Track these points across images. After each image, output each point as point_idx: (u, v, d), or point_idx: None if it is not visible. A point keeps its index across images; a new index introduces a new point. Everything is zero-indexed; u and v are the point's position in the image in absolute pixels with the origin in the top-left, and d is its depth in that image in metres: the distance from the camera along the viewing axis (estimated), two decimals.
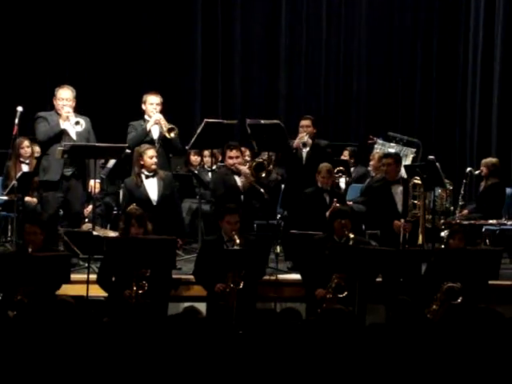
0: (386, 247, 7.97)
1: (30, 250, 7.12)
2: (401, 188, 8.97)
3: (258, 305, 7.61)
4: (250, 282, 7.35)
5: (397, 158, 9.20)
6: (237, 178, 9.10)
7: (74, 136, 8.75)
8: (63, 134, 8.71)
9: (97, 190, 8.91)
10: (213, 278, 7.42)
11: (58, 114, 8.72)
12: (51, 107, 8.91)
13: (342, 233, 7.60)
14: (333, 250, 7.31)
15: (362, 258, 7.18)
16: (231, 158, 9.13)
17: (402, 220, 8.55)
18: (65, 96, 8.76)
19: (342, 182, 10.21)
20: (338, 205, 8.72)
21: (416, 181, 8.72)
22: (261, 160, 9.11)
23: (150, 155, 8.70)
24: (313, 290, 7.45)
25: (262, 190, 8.93)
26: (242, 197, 9.07)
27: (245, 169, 9.06)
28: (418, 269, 7.80)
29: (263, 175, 9.04)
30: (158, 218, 8.05)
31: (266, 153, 9.33)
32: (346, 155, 11.06)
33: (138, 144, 8.92)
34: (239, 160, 9.15)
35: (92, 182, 8.76)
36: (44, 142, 8.84)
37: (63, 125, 8.69)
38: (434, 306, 7.06)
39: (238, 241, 7.43)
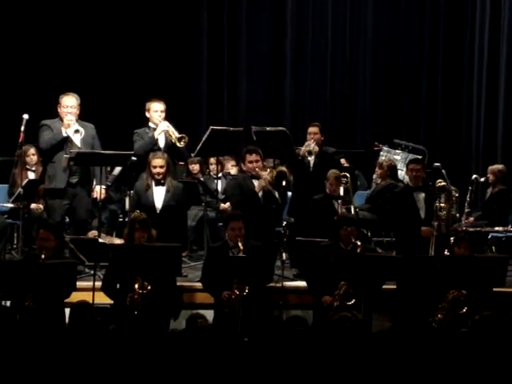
0: (404, 254, 7.93)
1: (42, 256, 7.13)
2: (423, 194, 8.96)
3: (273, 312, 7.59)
4: (256, 289, 7.34)
5: (423, 164, 9.23)
6: (255, 182, 9.00)
7: (78, 143, 8.77)
8: (67, 141, 8.72)
9: (103, 196, 8.91)
10: (219, 284, 7.42)
11: (62, 121, 8.74)
12: (57, 115, 8.92)
13: (348, 240, 7.60)
14: (338, 258, 7.30)
15: (368, 266, 7.17)
16: (251, 162, 9.01)
17: (435, 223, 8.56)
18: (69, 103, 8.78)
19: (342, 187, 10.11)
20: (345, 211, 8.77)
21: (440, 183, 8.77)
22: (284, 169, 9.03)
23: (153, 165, 8.74)
24: (319, 297, 7.44)
25: (276, 194, 8.87)
26: (262, 200, 9.01)
27: (265, 174, 8.97)
28: (426, 276, 7.74)
29: (284, 184, 8.95)
30: (160, 226, 8.04)
31: (272, 160, 9.33)
32: (343, 162, 10.97)
33: (145, 152, 8.93)
34: (259, 164, 9.02)
35: (98, 188, 8.77)
36: (47, 150, 8.87)
37: (66, 132, 8.70)
38: (440, 315, 7.03)
39: (242, 247, 7.42)
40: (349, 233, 7.59)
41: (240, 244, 7.44)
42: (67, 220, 9.01)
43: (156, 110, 9.14)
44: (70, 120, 8.66)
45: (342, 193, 9.27)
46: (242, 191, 9.01)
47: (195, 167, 10.73)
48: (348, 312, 6.59)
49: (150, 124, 9.17)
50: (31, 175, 9.78)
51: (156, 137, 8.99)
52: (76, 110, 8.78)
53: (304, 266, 8.29)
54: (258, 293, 7.41)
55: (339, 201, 9.13)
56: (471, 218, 10.10)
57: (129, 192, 9.53)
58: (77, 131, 8.65)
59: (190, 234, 9.82)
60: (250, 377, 4.88)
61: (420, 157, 11.38)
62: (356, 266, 7.18)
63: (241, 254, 7.44)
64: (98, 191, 8.77)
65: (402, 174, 10.80)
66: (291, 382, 4.88)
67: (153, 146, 9.00)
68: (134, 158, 9.06)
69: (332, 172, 9.14)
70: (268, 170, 9.03)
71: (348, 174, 9.49)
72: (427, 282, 7.44)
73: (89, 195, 8.90)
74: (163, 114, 9.15)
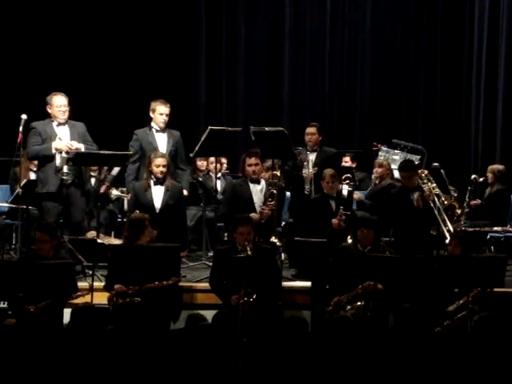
0: (402, 254, 7.92)
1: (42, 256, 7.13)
2: (418, 193, 8.97)
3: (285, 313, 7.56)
4: (265, 291, 7.29)
5: (416, 168, 9.29)
6: (252, 185, 8.98)
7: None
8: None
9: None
10: (227, 287, 7.43)
11: (52, 121, 8.70)
12: (48, 115, 8.84)
13: (365, 241, 7.60)
14: (336, 258, 7.30)
15: (367, 265, 7.16)
16: (250, 165, 9.01)
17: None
18: (62, 103, 8.75)
19: (345, 189, 10.12)
20: (343, 212, 8.75)
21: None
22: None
23: (156, 164, 8.69)
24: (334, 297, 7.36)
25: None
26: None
27: (257, 217, 8.76)
28: (426, 276, 7.73)
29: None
30: (159, 226, 8.03)
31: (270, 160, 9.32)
32: (347, 161, 11.01)
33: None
34: (259, 167, 9.03)
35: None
36: (31, 159, 9.00)
37: (56, 130, 8.67)
38: (447, 321, 6.93)
39: (249, 252, 7.41)
40: (366, 235, 7.61)
41: (248, 248, 7.44)
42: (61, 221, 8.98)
43: (161, 112, 9.09)
44: (66, 149, 8.57)
45: (345, 194, 9.26)
46: (236, 197, 9.00)
47: (204, 163, 10.62)
48: (349, 313, 6.60)
49: (153, 124, 9.13)
50: (32, 175, 9.78)
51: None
52: (68, 109, 8.75)
53: (307, 265, 8.24)
54: (266, 296, 7.36)
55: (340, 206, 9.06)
56: (476, 201, 10.14)
57: (128, 188, 9.52)
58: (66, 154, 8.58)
59: (189, 234, 9.81)
60: (248, 377, 4.88)
61: (418, 156, 11.39)
62: (354, 266, 7.17)
63: (242, 255, 7.42)
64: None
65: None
66: (290, 382, 4.87)
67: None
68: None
69: (328, 171, 9.08)
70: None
71: (350, 176, 9.50)
72: (426, 281, 7.44)
73: (83, 195, 8.87)
74: (167, 118, 9.12)
